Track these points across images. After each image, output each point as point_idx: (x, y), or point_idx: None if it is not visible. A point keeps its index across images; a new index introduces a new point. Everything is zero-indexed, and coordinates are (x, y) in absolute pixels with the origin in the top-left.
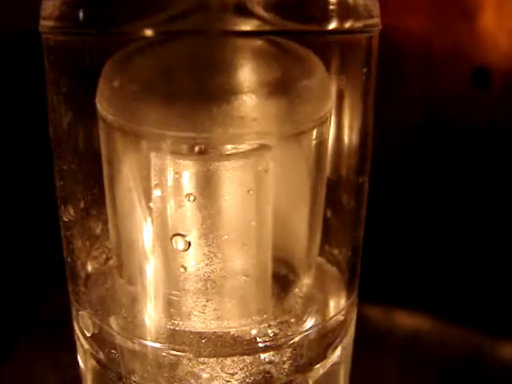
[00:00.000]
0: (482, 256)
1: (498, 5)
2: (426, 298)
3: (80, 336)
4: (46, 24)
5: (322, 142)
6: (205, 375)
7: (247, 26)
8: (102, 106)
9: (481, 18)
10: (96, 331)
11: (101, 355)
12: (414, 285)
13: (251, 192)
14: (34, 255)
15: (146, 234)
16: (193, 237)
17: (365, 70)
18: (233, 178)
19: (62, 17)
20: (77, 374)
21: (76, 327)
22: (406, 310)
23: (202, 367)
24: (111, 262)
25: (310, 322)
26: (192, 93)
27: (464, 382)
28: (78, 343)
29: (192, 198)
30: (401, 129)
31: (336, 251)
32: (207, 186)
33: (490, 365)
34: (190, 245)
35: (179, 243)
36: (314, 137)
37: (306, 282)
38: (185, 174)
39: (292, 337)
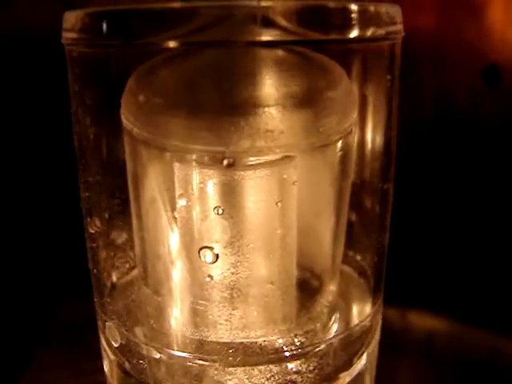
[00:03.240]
0: (497, 256)
1: (507, 2)
2: (441, 299)
3: (106, 347)
4: (68, 36)
5: (346, 153)
6: (233, 380)
7: (271, 36)
8: (128, 120)
9: (490, 15)
10: (123, 342)
11: (128, 366)
12: (429, 286)
13: (276, 201)
14: (54, 262)
15: (171, 244)
16: (219, 247)
17: (388, 77)
18: (258, 188)
19: (85, 28)
20: (96, 381)
21: (102, 338)
22: (422, 311)
23: (228, 377)
24: (136, 272)
25: (335, 330)
26: (219, 106)
27: (479, 383)
28: (104, 354)
29: (218, 208)
30: (412, 128)
31: (361, 258)
32: (233, 196)
33: (506, 365)
34: (217, 257)
35: (207, 256)
36: (339, 148)
37: (331, 289)
38: (210, 184)
39: (318, 345)
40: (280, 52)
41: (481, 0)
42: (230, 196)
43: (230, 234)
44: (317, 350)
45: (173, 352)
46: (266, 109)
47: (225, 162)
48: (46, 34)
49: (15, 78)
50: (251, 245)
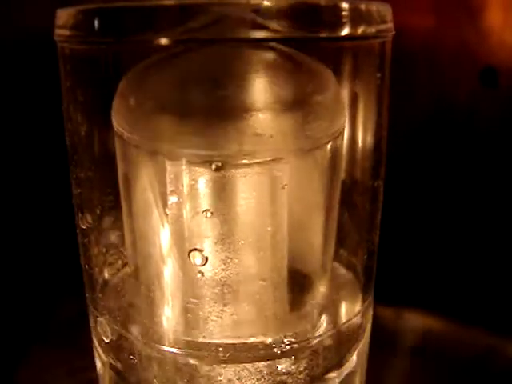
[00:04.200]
0: (493, 256)
1: (505, 3)
2: (436, 298)
3: (98, 343)
4: (61, 33)
5: (336, 155)
6: (223, 381)
7: (262, 34)
8: (119, 124)
9: (487, 16)
10: (114, 338)
11: (119, 362)
12: (424, 285)
13: (267, 202)
14: (50, 260)
15: (162, 241)
16: (210, 246)
17: (379, 75)
18: (248, 188)
19: (78, 26)
20: (91, 379)
21: (94, 334)
22: (417, 310)
23: (219, 372)
24: (128, 268)
25: (325, 328)
26: (208, 111)
27: (475, 383)
28: (95, 350)
29: (208, 209)
30: (409, 129)
31: (351, 256)
32: (223, 197)
33: (502, 365)
34: (207, 260)
35: (197, 258)
36: (328, 151)
37: (321, 287)
38: (201, 183)
39: (308, 343)
40: (269, 56)
41: (479, 1)
42: (221, 196)
43: (220, 234)
44: (307, 347)
45: (164, 348)
46: (255, 113)
47: (213, 166)
48: (41, 31)
49: (8, 76)
50: (242, 243)
